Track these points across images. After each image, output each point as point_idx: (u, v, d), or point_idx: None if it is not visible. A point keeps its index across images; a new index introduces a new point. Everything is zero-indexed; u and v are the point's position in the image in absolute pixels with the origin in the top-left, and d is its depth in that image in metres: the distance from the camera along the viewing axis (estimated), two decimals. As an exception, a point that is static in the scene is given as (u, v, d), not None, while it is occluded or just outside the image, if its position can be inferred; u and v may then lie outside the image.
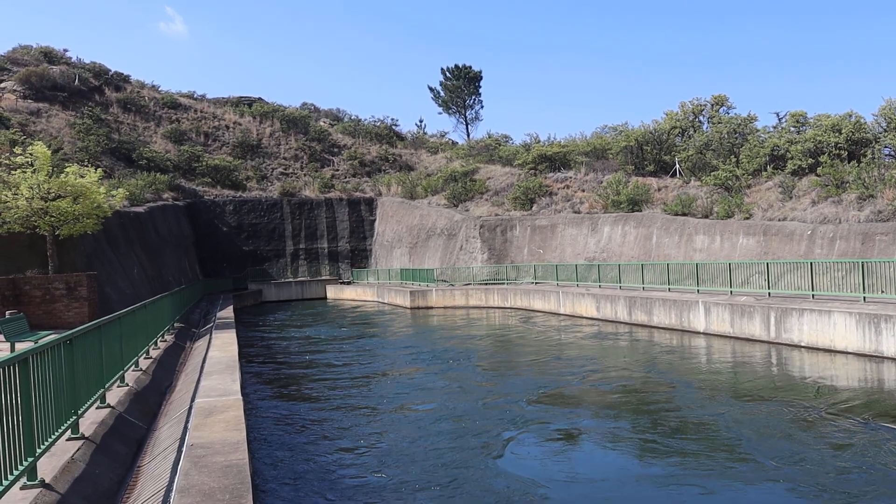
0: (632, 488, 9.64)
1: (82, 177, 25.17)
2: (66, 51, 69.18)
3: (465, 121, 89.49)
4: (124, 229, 35.28)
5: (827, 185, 31.35)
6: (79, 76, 63.11)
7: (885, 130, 36.91)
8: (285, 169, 67.28)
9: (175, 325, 24.96)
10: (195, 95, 76.70)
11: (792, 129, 42.69)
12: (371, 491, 9.81)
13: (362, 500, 9.48)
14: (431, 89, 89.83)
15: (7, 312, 19.56)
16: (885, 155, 36.06)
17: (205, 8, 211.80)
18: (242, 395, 11.13)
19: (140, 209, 41.91)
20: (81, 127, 52.86)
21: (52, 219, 23.75)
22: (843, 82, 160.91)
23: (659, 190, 42.56)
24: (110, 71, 70.28)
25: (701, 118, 50.83)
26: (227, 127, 70.37)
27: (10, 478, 5.90)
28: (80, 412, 8.67)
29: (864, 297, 19.91)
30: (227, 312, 32.14)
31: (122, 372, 12.27)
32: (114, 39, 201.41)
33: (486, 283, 42.83)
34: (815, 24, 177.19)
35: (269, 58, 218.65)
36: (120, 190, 30.03)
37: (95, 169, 27.18)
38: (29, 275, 23.61)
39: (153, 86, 74.00)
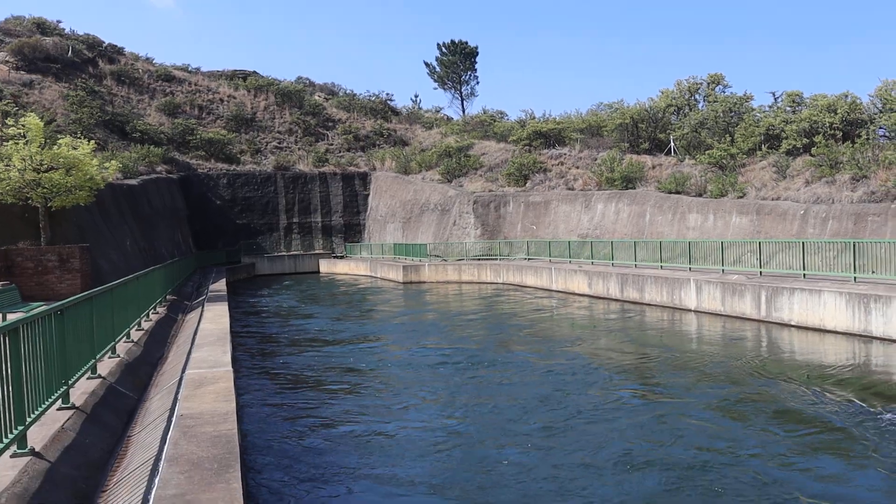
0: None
1: (75, 149, 24.99)
2: (59, 22, 68.28)
3: (461, 96, 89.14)
4: (117, 202, 35.16)
5: (821, 166, 31.36)
6: (72, 48, 62.46)
7: (881, 111, 36.77)
8: (279, 143, 66.99)
9: (167, 297, 24.99)
10: (189, 68, 75.92)
11: (787, 108, 42.51)
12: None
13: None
14: (427, 65, 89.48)
15: (-1, 283, 19.56)
16: (880, 136, 35.94)
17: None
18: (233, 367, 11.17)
19: (133, 182, 41.73)
20: (75, 99, 52.44)
21: (45, 190, 23.64)
22: (840, 63, 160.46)
23: (653, 168, 42.52)
24: (104, 43, 69.50)
25: (697, 97, 50.60)
26: (222, 100, 69.89)
27: (0, 446, 5.95)
28: (70, 382, 8.71)
29: (855, 278, 20.03)
30: (220, 285, 32.18)
31: (113, 343, 12.31)
32: (104, 10, 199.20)
33: (479, 259, 42.89)
34: (812, 4, 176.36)
35: (264, 31, 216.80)
36: (113, 162, 29.84)
37: (88, 141, 26.98)
38: (21, 246, 23.54)
39: (147, 58, 73.28)
